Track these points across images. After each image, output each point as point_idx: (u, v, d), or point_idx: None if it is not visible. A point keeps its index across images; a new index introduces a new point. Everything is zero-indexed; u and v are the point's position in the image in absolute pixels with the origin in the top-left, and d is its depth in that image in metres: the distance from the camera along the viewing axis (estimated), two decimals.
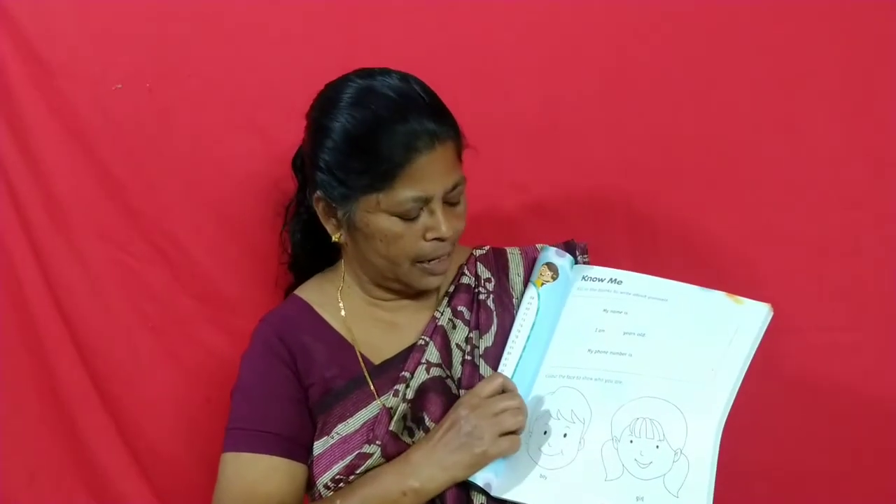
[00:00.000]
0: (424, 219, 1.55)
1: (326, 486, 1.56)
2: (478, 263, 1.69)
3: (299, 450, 1.60)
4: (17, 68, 1.90)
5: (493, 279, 1.68)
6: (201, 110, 1.94)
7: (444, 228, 1.54)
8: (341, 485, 1.55)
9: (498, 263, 1.70)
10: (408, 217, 1.54)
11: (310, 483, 1.61)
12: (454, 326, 1.64)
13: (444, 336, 1.62)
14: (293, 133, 1.81)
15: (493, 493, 1.53)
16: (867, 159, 1.95)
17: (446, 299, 1.66)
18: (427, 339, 1.62)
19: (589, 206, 1.98)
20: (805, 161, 1.96)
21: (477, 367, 1.61)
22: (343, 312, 1.65)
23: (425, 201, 1.53)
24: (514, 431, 1.51)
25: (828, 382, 1.95)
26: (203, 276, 1.97)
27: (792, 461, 1.96)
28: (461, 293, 1.66)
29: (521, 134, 1.96)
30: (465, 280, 1.67)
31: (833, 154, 1.95)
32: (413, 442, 1.56)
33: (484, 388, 1.52)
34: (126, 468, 1.98)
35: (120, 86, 1.92)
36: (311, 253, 1.75)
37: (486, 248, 1.72)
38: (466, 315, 1.64)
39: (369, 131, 1.52)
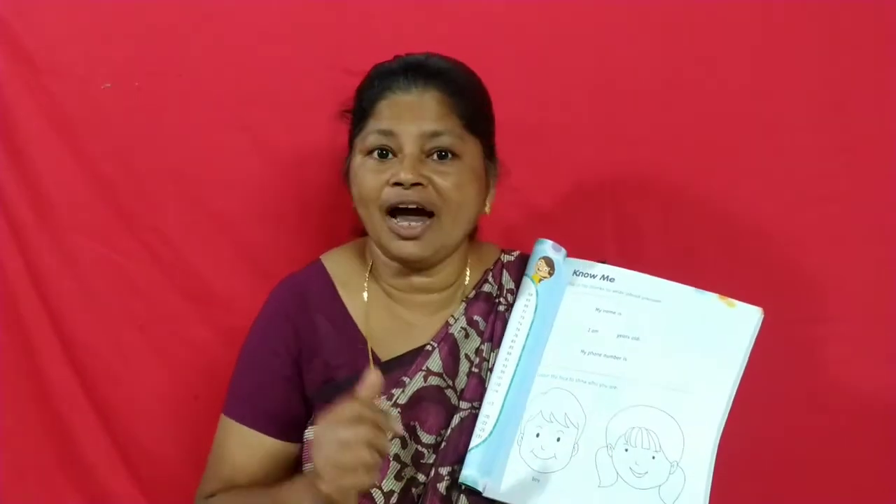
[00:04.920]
0: (394, 165, 1.53)
1: None
2: (504, 271, 1.66)
3: (279, 427, 1.59)
4: (4, 66, 1.90)
5: (515, 290, 1.63)
6: (190, 108, 1.94)
7: (403, 174, 1.50)
8: None
9: (521, 272, 1.64)
10: (372, 151, 1.53)
11: (300, 462, 1.60)
12: (466, 335, 1.60)
13: (453, 344, 1.59)
14: (282, 131, 1.83)
15: (485, 495, 1.51)
16: (842, 154, 1.98)
17: (464, 305, 1.62)
18: (434, 345, 1.59)
19: (576, 204, 1.99)
20: (784, 158, 1.98)
21: (483, 381, 1.57)
22: (366, 296, 1.63)
23: (393, 137, 1.52)
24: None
25: (810, 373, 1.97)
26: (191, 274, 1.97)
27: (775, 452, 1.97)
28: (480, 301, 1.63)
29: (508, 133, 1.94)
30: (486, 288, 1.64)
31: (810, 150, 1.98)
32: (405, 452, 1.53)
33: (333, 415, 1.33)
34: (113, 465, 1.97)
35: (109, 85, 1.91)
36: None
37: (516, 253, 1.69)
38: (481, 325, 1.61)
39: (367, 80, 1.58)
